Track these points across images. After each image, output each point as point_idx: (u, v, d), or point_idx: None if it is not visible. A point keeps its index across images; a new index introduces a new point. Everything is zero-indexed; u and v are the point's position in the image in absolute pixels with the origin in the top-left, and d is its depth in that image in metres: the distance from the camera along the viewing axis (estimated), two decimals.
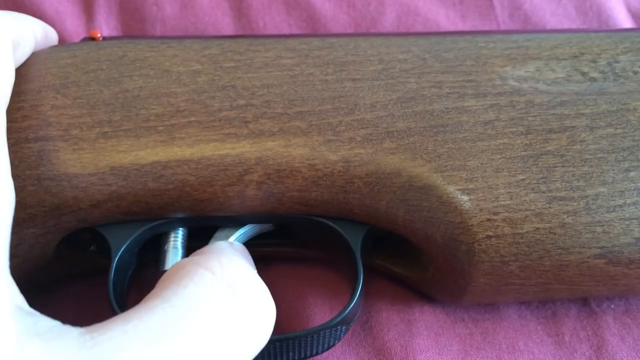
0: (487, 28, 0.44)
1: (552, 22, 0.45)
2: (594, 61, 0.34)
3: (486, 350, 0.33)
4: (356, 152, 0.30)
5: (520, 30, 0.39)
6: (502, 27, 0.44)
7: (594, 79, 0.33)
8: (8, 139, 0.29)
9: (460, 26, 0.44)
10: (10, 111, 0.30)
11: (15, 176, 0.28)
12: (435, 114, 0.31)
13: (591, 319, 0.34)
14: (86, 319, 0.33)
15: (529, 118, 0.31)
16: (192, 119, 0.31)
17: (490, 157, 0.30)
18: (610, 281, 0.31)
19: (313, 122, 0.31)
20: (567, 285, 0.31)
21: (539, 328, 0.34)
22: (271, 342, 0.29)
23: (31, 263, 0.31)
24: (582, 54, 0.34)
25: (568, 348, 0.33)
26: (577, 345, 0.33)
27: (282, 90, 0.31)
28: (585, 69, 0.33)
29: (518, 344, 0.33)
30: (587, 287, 0.31)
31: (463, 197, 0.29)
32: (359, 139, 0.30)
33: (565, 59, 0.34)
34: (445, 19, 0.44)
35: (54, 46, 0.34)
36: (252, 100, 0.31)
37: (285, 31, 0.44)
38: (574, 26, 0.45)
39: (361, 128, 0.31)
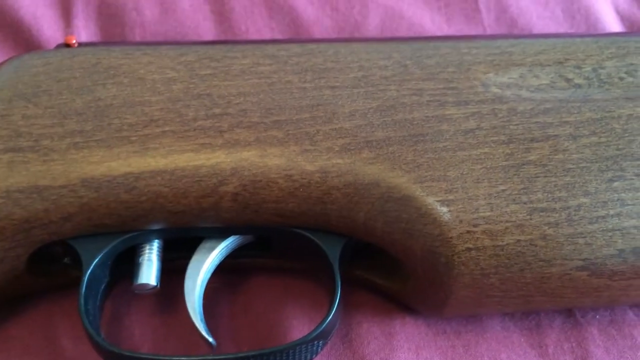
0: (473, 32, 0.44)
1: (539, 26, 0.44)
2: (578, 67, 0.33)
3: None
4: (334, 162, 0.29)
5: (504, 35, 0.38)
6: (489, 31, 0.44)
7: (578, 86, 0.32)
8: None
9: (446, 30, 0.43)
10: None
11: None
12: (415, 122, 0.30)
13: (575, 330, 0.34)
14: (57, 334, 0.32)
15: (511, 126, 0.31)
16: (167, 128, 0.30)
17: (471, 167, 0.29)
18: (594, 293, 0.30)
19: (290, 132, 0.30)
20: (549, 297, 0.31)
21: (522, 340, 0.33)
22: (247, 358, 0.28)
23: (1, 277, 0.30)
24: (567, 59, 0.33)
25: None
26: (561, 357, 0.33)
27: (259, 99, 0.31)
28: (570, 75, 0.33)
29: (501, 357, 0.33)
30: (569, 298, 0.31)
31: (442, 208, 0.29)
32: (337, 149, 0.30)
33: (549, 65, 0.33)
34: (431, 23, 0.44)
35: (27, 53, 0.33)
36: (228, 109, 0.30)
37: (268, 35, 0.43)
38: (561, 29, 0.44)
39: (339, 137, 0.30)
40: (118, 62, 0.32)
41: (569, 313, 0.34)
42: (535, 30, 0.44)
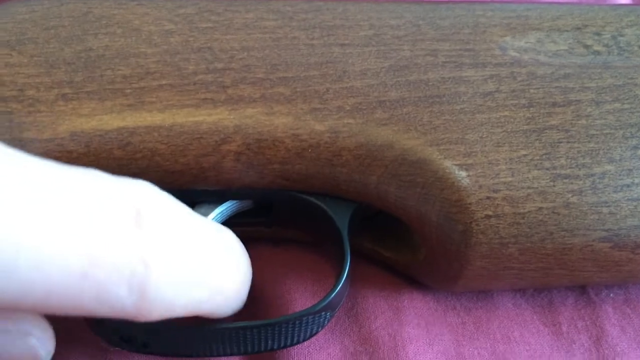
0: None
1: None
2: (597, 34, 0.31)
3: (480, 340, 0.31)
4: (345, 122, 0.27)
5: (519, 0, 0.37)
6: None
7: (597, 52, 0.31)
8: None
9: None
10: None
11: None
12: (430, 83, 0.29)
13: (589, 308, 0.32)
14: None
15: (531, 90, 0.29)
16: (164, 82, 0.28)
17: (491, 130, 0.28)
18: (614, 267, 0.29)
19: (298, 89, 0.28)
20: (568, 271, 0.29)
21: (534, 317, 0.32)
22: (249, 328, 0.26)
23: None
24: (586, 26, 0.32)
25: (566, 339, 0.31)
26: (575, 336, 0.31)
27: (263, 54, 0.29)
28: (589, 42, 0.31)
29: (513, 334, 0.31)
30: (589, 273, 0.29)
31: (461, 172, 0.27)
32: (348, 108, 0.28)
33: (567, 31, 0.31)
34: None
35: (10, 1, 0.30)
36: (230, 63, 0.28)
37: None
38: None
39: (350, 96, 0.28)
40: (111, 11, 0.29)
41: (582, 291, 0.33)
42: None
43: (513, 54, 0.30)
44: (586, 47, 0.31)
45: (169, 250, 0.20)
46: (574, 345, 0.31)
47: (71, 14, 0.29)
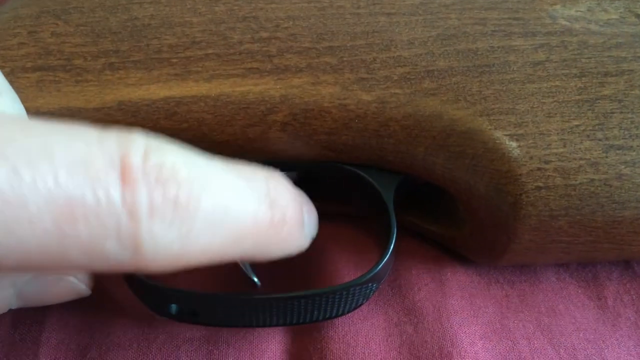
0: None
1: None
2: None
3: (524, 312, 0.30)
4: (392, 91, 0.27)
5: None
6: None
7: None
8: (2, 67, 0.26)
9: None
10: (5, 37, 0.27)
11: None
12: (479, 52, 0.28)
13: (635, 282, 0.32)
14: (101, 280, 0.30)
15: (583, 60, 0.28)
16: (210, 51, 0.27)
17: (542, 100, 0.27)
18: None
19: (344, 59, 0.28)
20: (616, 245, 0.29)
21: (579, 291, 0.31)
22: (295, 298, 0.26)
23: None
24: None
25: (612, 312, 0.31)
26: (621, 310, 0.31)
27: (309, 23, 0.28)
28: None
29: (558, 307, 0.31)
30: (637, 247, 0.29)
31: (511, 143, 0.26)
32: (395, 78, 0.27)
33: (617, 0, 0.31)
34: None
35: None
36: (276, 33, 0.28)
37: None
38: None
39: (398, 66, 0.28)
40: None
41: (626, 265, 0.32)
42: None
43: (563, 22, 0.29)
44: (638, 16, 0.30)
45: (162, 200, 0.18)
46: (620, 319, 0.30)
47: None
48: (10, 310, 0.27)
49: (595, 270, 0.32)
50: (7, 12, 0.28)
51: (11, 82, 0.26)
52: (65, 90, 0.26)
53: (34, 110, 0.26)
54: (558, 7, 0.30)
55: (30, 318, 0.28)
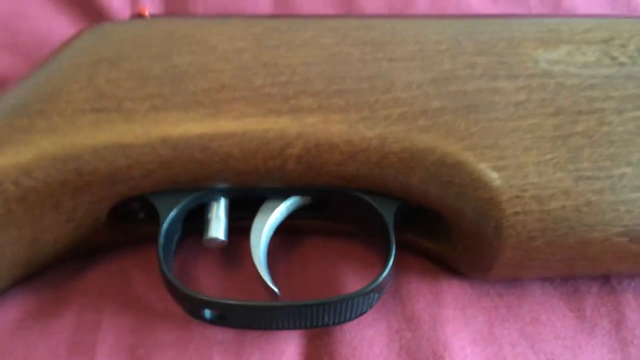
0: (518, 11, 0.45)
1: (583, 7, 0.45)
2: (623, 46, 0.34)
3: (510, 322, 0.34)
4: (391, 129, 0.31)
5: (552, 14, 0.40)
6: (534, 11, 0.45)
7: (623, 64, 0.34)
8: (65, 108, 0.31)
9: (492, 9, 0.45)
10: (67, 83, 0.32)
11: (72, 145, 0.30)
12: (468, 94, 0.32)
13: (612, 296, 0.36)
14: (131, 282, 0.35)
15: (560, 99, 0.32)
16: (237, 94, 0.32)
17: (521, 136, 0.31)
18: (632, 259, 0.32)
19: (351, 100, 0.32)
20: (590, 262, 0.33)
21: (561, 303, 0.35)
22: (308, 306, 0.31)
23: (85, 229, 0.33)
24: (613, 38, 0.35)
25: (589, 322, 0.35)
26: (597, 320, 0.35)
27: (321, 69, 0.33)
28: (615, 54, 0.34)
29: (541, 318, 0.35)
30: (609, 264, 0.33)
31: (493, 174, 0.31)
32: (394, 117, 0.32)
33: (596, 43, 0.34)
34: (478, 3, 0.45)
35: (106, 23, 0.35)
36: (293, 77, 0.32)
37: (322, 10, 0.45)
38: (603, 12, 0.45)
39: (397, 106, 0.32)
40: (191, 31, 0.34)
41: (605, 280, 0.36)
42: (579, 12, 0.45)
43: (544, 65, 0.33)
44: (612, 58, 0.34)
45: None
46: (596, 328, 0.34)
47: (158, 34, 0.34)
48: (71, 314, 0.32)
49: (577, 284, 0.36)
50: (69, 60, 0.33)
51: (72, 123, 0.31)
52: (117, 129, 0.31)
53: (92, 147, 0.31)
54: (540, 51, 0.34)
55: (89, 321, 0.33)
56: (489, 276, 0.34)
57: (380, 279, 0.31)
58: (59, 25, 0.44)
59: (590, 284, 0.36)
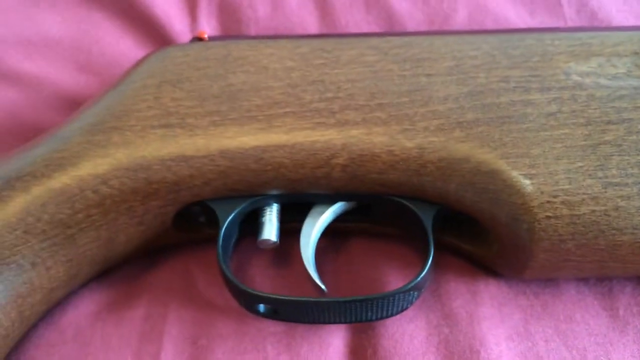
0: (554, 24, 0.47)
1: (618, 19, 0.47)
2: None
3: (545, 320, 0.36)
4: (430, 140, 0.34)
5: (584, 27, 0.42)
6: (569, 24, 0.47)
7: None
8: (135, 125, 0.35)
9: (529, 22, 0.47)
10: (137, 102, 0.36)
11: (142, 157, 0.34)
12: (502, 106, 0.35)
13: None
14: (193, 279, 0.39)
15: (589, 110, 0.34)
16: (287, 109, 0.35)
17: (552, 145, 0.33)
18: None
19: (392, 113, 0.35)
20: (621, 264, 0.34)
21: (595, 302, 0.37)
22: (353, 302, 0.34)
23: (153, 230, 0.37)
24: None
25: (621, 321, 0.36)
26: (630, 319, 0.36)
27: (364, 85, 0.36)
28: None
29: (575, 316, 0.37)
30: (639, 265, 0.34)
31: (526, 181, 0.33)
32: (432, 129, 0.34)
33: (626, 56, 0.36)
34: (515, 16, 0.47)
35: (169, 47, 0.39)
36: (338, 93, 0.35)
37: (365, 28, 0.48)
38: (639, 22, 0.46)
39: (434, 119, 0.34)
40: (245, 53, 0.37)
41: (639, 281, 0.38)
42: (614, 23, 0.46)
43: (576, 78, 0.35)
44: None
45: None
46: (628, 327, 0.36)
47: (215, 56, 0.37)
48: (141, 306, 0.36)
49: (611, 284, 0.38)
50: (138, 82, 0.37)
51: (142, 137, 0.35)
52: (181, 142, 0.35)
53: (160, 158, 0.34)
54: (572, 64, 0.36)
55: (156, 314, 0.37)
56: (524, 276, 0.36)
57: (419, 278, 0.34)
58: (127, 47, 0.48)
59: (624, 284, 0.38)
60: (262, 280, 0.39)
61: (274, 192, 0.36)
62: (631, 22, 0.47)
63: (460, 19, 0.47)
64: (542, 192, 0.33)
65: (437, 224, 0.36)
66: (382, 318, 0.35)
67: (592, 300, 0.37)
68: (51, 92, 0.46)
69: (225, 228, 0.36)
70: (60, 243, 0.34)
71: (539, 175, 0.33)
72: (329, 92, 0.36)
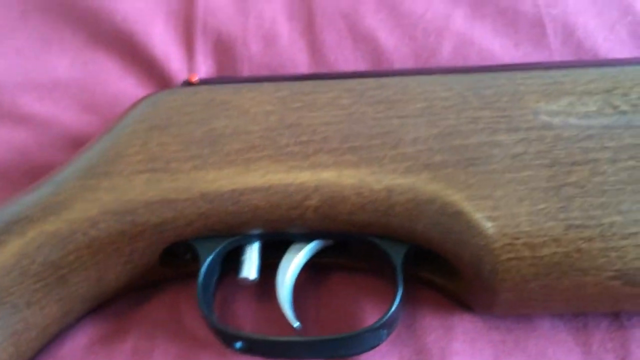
0: (540, 55, 0.47)
1: (605, 48, 0.47)
2: (625, 94, 0.36)
3: (517, 356, 0.37)
4: (397, 182, 0.35)
5: (559, 64, 0.42)
6: (555, 54, 0.47)
7: (623, 112, 0.35)
8: (124, 170, 0.37)
9: (514, 54, 0.48)
10: (127, 147, 0.38)
11: (129, 201, 0.36)
12: (469, 147, 0.35)
13: (620, 332, 0.37)
14: (181, 315, 0.41)
15: (555, 151, 0.35)
16: (264, 153, 0.37)
17: (515, 187, 0.34)
18: (630, 299, 0.34)
19: (363, 156, 0.36)
20: (588, 302, 0.35)
21: (569, 338, 0.38)
22: (323, 341, 0.35)
23: (141, 268, 0.39)
24: (615, 87, 0.36)
25: (594, 357, 0.37)
26: (603, 355, 0.37)
27: (339, 128, 0.37)
28: (617, 102, 0.36)
29: (547, 352, 0.37)
30: (608, 304, 0.35)
31: (488, 223, 0.34)
32: (400, 171, 0.35)
33: (598, 94, 0.36)
34: (499, 48, 0.48)
35: (160, 92, 0.42)
36: (313, 136, 0.37)
37: (353, 64, 0.49)
38: (626, 52, 0.46)
39: (403, 161, 0.35)
40: (228, 98, 0.39)
41: (615, 316, 0.38)
42: (601, 53, 0.46)
43: (544, 118, 0.36)
44: (614, 107, 0.36)
45: None
46: None
47: (201, 101, 0.39)
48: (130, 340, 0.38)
49: (586, 319, 0.38)
50: (128, 127, 0.40)
51: (129, 182, 0.37)
52: (164, 186, 0.37)
53: (145, 202, 0.37)
54: (542, 103, 0.36)
55: (144, 348, 0.39)
56: (493, 313, 0.37)
57: (386, 317, 0.35)
58: (128, 86, 0.51)
59: (599, 320, 0.38)
60: (246, 315, 0.41)
61: (254, 231, 0.38)
62: (618, 52, 0.47)
63: (446, 52, 0.48)
64: (504, 235, 0.33)
65: (410, 260, 0.38)
66: (355, 354, 0.37)
67: (566, 336, 0.38)
68: (58, 132, 0.49)
69: (207, 266, 0.38)
70: (53, 283, 0.37)
71: (501, 217, 0.34)
72: (304, 135, 0.37)
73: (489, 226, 0.34)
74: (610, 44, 0.47)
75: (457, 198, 0.34)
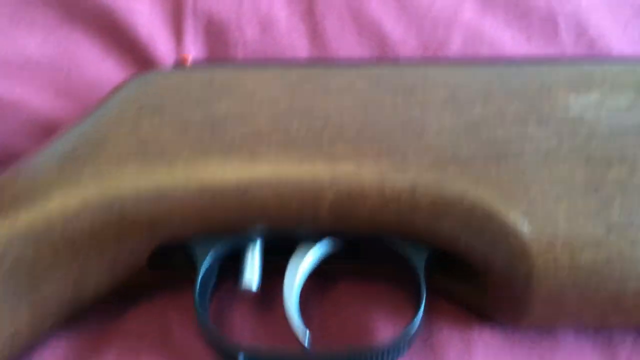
0: (552, 51, 0.45)
1: (617, 48, 0.45)
2: None
3: None
4: (422, 177, 0.32)
5: (584, 57, 0.40)
6: (567, 50, 0.45)
7: None
8: (111, 155, 0.33)
9: (526, 48, 0.45)
10: (113, 130, 0.34)
11: (117, 189, 0.32)
12: (498, 141, 0.32)
13: None
14: (170, 326, 0.36)
15: (590, 147, 0.32)
16: (272, 140, 0.33)
17: (551, 185, 0.31)
18: None
19: (383, 147, 0.32)
20: (624, 315, 0.32)
21: (594, 352, 0.35)
22: (339, 357, 0.31)
23: (126, 270, 0.34)
24: None
25: None
26: None
27: (355, 115, 0.33)
28: None
29: None
30: None
31: (523, 223, 0.31)
32: (425, 164, 0.32)
33: (628, 88, 0.34)
34: (511, 41, 0.45)
35: (149, 72, 0.37)
36: (326, 124, 0.33)
37: (357, 53, 0.46)
38: (639, 51, 0.45)
39: (428, 153, 0.32)
40: (230, 79, 0.35)
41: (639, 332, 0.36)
42: (614, 52, 0.45)
43: (576, 110, 0.33)
44: None
45: None
46: None
47: (199, 82, 0.35)
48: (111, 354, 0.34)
49: (611, 335, 0.35)
50: (115, 108, 0.35)
51: (118, 168, 0.32)
52: (159, 174, 0.32)
53: (136, 191, 0.32)
54: (572, 96, 0.34)
55: None
56: (521, 325, 0.34)
57: (413, 329, 0.31)
58: (108, 69, 0.46)
59: (625, 335, 0.36)
60: (244, 324, 0.36)
61: (258, 230, 0.34)
62: (630, 51, 0.45)
63: (456, 45, 0.45)
64: (540, 235, 0.30)
65: (430, 266, 0.34)
66: None
67: (592, 350, 0.35)
68: (27, 117, 0.44)
69: (205, 269, 0.33)
70: (24, 285, 0.32)
71: (537, 217, 0.31)
72: (318, 121, 0.33)
73: (524, 226, 0.31)
74: (622, 44, 0.45)
75: (488, 196, 0.31)
